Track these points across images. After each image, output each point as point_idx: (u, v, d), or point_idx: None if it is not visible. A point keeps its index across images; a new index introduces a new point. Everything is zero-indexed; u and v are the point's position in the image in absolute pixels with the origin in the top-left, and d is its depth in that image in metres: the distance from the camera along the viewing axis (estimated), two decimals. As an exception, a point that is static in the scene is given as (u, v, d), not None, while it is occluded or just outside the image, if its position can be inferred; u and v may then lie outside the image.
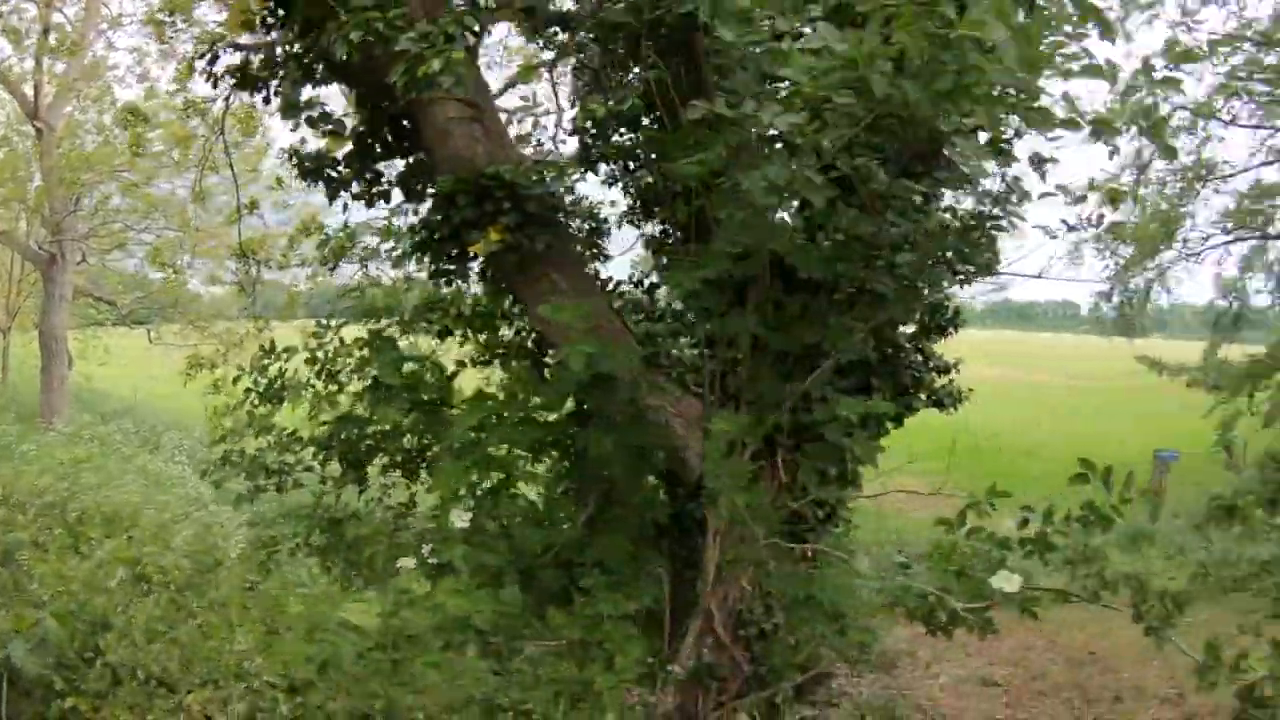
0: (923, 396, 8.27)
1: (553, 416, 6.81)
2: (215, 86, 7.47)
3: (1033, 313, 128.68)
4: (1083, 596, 5.40)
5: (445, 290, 7.31)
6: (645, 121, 6.60)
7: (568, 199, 7.33)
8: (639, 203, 7.49)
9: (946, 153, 4.83)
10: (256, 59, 6.94)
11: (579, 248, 7.35)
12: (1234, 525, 16.36)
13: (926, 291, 6.14)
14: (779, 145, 4.64)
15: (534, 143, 7.75)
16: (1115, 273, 24.18)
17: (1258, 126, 23.58)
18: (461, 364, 7.58)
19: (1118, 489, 4.70)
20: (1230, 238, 23.89)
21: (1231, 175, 23.72)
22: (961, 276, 7.22)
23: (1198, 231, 23.94)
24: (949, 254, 6.28)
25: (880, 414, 5.54)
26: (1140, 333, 26.84)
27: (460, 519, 5.88)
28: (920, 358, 8.24)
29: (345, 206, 7.41)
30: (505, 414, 6.36)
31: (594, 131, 6.57)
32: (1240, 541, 15.29)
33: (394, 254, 7.76)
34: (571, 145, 7.39)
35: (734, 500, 5.38)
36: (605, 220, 7.50)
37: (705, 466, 5.44)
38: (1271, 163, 24.19)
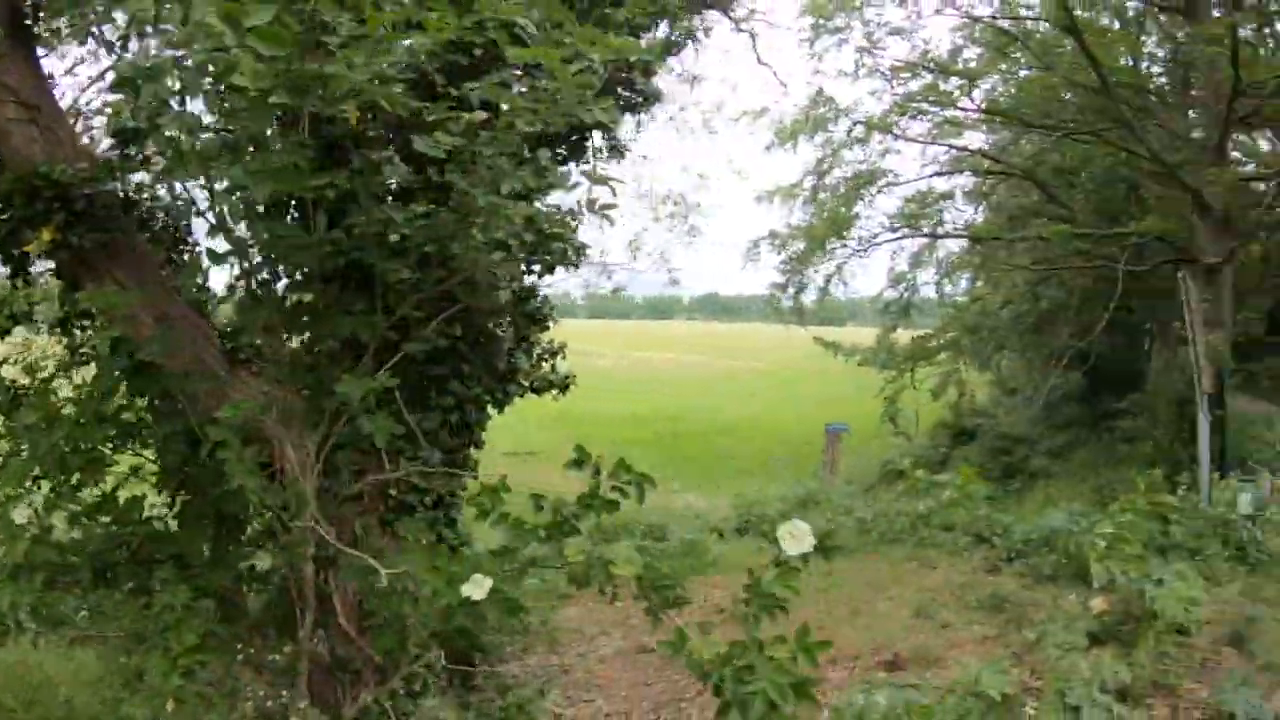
0: (524, 383, 8.37)
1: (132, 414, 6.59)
2: None
3: (738, 306, 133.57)
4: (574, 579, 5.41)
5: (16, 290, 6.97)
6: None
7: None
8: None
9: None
10: None
11: (164, 246, 7.14)
12: (901, 485, 17.57)
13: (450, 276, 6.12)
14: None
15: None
16: (789, 266, 25.51)
17: (932, 142, 25.60)
18: (61, 365, 7.24)
19: (608, 472, 4.74)
20: (896, 236, 25.54)
21: (903, 183, 25.70)
22: (539, 267, 7.39)
23: (868, 231, 25.58)
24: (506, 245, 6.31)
25: (380, 388, 5.46)
26: (818, 321, 28.50)
27: (20, 517, 5.63)
28: (523, 345, 8.37)
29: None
30: (71, 411, 6.10)
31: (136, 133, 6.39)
32: (903, 499, 16.41)
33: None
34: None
35: (248, 487, 5.30)
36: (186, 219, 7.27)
37: (219, 452, 5.34)
38: (940, 174, 26.53)
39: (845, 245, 25.34)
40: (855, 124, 24.79)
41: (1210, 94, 19.97)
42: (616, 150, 8.69)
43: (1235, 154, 26.13)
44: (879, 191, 25.32)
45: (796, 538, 4.03)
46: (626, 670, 10.67)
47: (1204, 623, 9.89)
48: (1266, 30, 21.31)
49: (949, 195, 27.07)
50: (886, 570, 12.90)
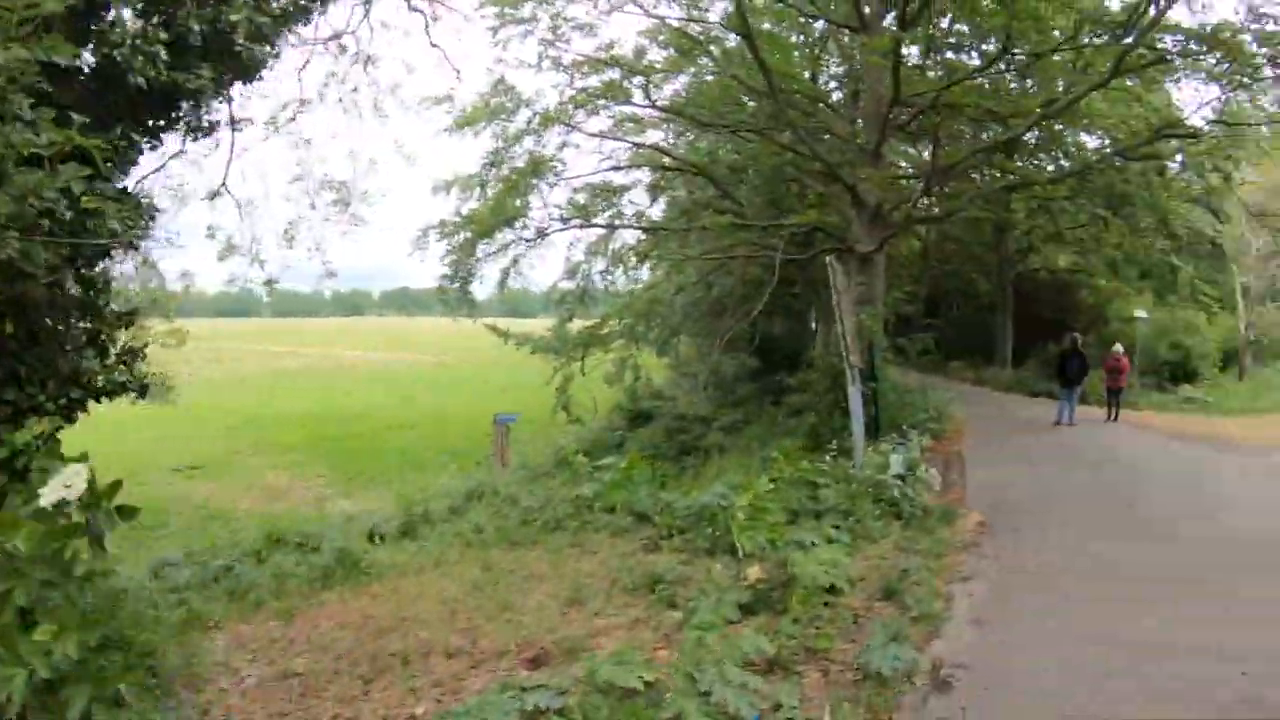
0: (95, 386, 6.86)
1: None
2: None
3: (428, 300, 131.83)
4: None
5: None
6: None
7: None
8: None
9: None
10: None
11: None
12: (568, 472, 16.87)
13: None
14: None
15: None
16: (455, 256, 24.51)
17: (609, 136, 25.37)
18: None
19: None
20: (566, 226, 25.03)
21: (575, 177, 25.39)
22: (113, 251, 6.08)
23: (539, 222, 24.91)
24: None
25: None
26: (507, 313, 27.81)
27: None
28: (97, 343, 6.90)
29: None
30: None
31: None
32: (568, 484, 15.71)
33: None
34: None
35: None
36: None
37: None
38: (618, 168, 26.49)
39: (521, 238, 24.54)
40: (534, 115, 24.01)
41: (873, 103, 20.80)
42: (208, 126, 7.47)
43: (901, 162, 27.85)
44: (553, 185, 24.65)
45: (67, 484, 3.03)
46: (267, 701, 9.25)
47: (858, 580, 9.61)
48: (935, 56, 22.61)
49: (627, 188, 26.93)
50: (547, 560, 11.88)
